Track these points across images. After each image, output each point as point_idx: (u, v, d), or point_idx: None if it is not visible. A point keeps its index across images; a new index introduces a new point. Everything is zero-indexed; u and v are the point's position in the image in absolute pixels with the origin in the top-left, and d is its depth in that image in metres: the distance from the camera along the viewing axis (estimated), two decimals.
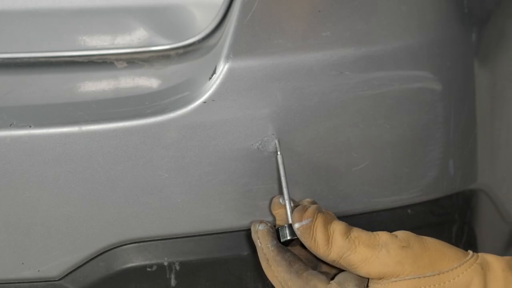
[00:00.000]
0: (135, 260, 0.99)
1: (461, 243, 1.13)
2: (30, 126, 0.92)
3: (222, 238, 1.00)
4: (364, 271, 0.85)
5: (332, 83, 0.97)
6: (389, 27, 0.98)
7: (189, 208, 0.97)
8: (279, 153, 0.95)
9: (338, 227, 0.87)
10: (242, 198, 0.98)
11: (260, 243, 0.92)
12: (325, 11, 0.95)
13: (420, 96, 1.02)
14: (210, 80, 0.94)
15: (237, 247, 1.00)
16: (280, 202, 0.96)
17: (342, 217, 1.01)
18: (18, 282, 0.98)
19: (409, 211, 1.07)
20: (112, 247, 0.98)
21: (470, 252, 0.86)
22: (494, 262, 0.85)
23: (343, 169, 1.01)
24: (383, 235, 0.86)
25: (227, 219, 0.98)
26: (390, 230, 0.87)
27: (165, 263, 1.00)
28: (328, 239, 0.86)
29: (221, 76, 0.94)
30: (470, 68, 1.08)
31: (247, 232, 0.98)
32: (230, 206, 0.98)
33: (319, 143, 0.98)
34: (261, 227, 0.93)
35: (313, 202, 0.97)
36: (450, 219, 1.12)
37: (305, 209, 0.89)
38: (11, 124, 0.92)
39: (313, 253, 0.88)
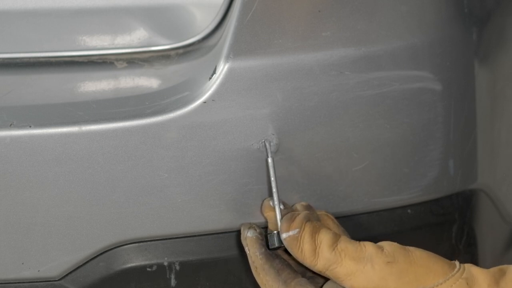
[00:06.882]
0: (135, 260, 0.99)
1: (461, 243, 1.13)
2: (30, 126, 0.92)
3: (222, 238, 1.00)
4: (348, 284, 0.85)
5: (332, 83, 0.97)
6: (389, 27, 0.98)
7: (189, 208, 0.97)
8: (269, 156, 0.95)
9: (325, 237, 0.86)
10: (242, 198, 0.98)
11: (249, 250, 0.93)
12: (325, 11, 0.94)
13: (420, 96, 1.02)
14: (210, 80, 0.94)
15: (237, 247, 1.00)
16: (270, 205, 0.95)
17: (342, 217, 1.01)
18: (18, 282, 0.98)
19: (409, 211, 1.07)
20: (112, 247, 0.98)
21: (457, 264, 0.85)
22: (480, 276, 0.84)
23: (343, 169, 1.00)
24: (369, 248, 0.85)
25: (227, 219, 0.98)
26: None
27: (165, 263, 1.00)
28: (314, 250, 0.86)
29: (221, 76, 0.94)
30: (470, 68, 1.08)
31: None
32: (230, 206, 0.98)
33: (319, 143, 0.98)
34: (249, 233, 0.93)
35: (307, 206, 0.97)
36: (450, 219, 1.12)
37: (293, 218, 0.88)
38: (11, 124, 0.92)
39: (300, 262, 0.88)
